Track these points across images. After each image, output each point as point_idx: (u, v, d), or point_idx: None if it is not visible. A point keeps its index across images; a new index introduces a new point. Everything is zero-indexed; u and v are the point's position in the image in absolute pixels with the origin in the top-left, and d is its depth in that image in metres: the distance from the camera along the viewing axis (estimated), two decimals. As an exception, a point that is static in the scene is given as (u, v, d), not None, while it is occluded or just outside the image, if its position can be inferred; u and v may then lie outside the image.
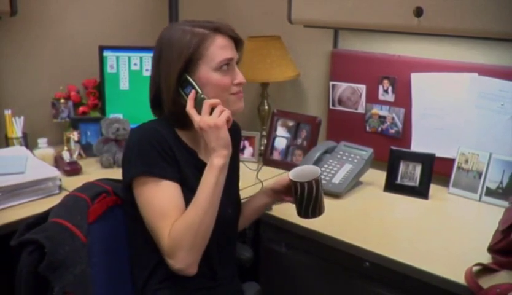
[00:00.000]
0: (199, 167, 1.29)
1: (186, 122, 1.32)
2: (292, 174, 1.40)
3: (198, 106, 1.27)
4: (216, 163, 1.24)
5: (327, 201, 1.43)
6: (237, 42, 1.37)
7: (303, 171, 1.40)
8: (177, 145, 1.32)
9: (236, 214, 1.47)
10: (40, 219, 1.29)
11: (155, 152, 1.26)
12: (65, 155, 1.99)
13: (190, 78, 1.29)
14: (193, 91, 1.28)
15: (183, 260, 1.21)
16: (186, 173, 1.30)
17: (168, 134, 1.31)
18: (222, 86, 1.31)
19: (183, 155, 1.32)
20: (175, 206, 1.24)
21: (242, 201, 1.54)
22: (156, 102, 1.36)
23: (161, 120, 1.35)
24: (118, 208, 1.41)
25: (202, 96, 1.27)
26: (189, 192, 1.27)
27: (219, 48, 1.30)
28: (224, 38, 1.32)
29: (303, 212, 1.40)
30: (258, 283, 1.60)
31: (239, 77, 1.34)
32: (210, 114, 1.25)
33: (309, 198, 1.37)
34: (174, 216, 1.23)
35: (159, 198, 1.24)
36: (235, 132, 1.49)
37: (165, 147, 1.27)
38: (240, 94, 1.35)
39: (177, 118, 1.33)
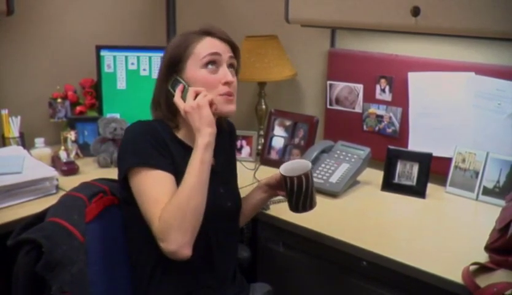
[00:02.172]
0: None
1: (180, 120, 1.37)
2: (283, 169, 1.39)
3: (185, 98, 1.31)
4: (201, 141, 1.26)
5: (324, 201, 1.44)
6: (233, 48, 1.40)
7: (294, 165, 1.40)
8: (172, 140, 1.35)
9: (235, 207, 1.47)
10: (37, 219, 1.29)
11: (149, 145, 1.28)
12: (63, 155, 1.99)
13: (178, 77, 1.34)
14: (181, 85, 1.33)
15: (175, 241, 1.18)
16: (180, 165, 1.30)
17: (163, 130, 1.35)
18: (208, 84, 1.34)
19: (177, 149, 1.33)
20: (168, 193, 1.24)
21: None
22: (154, 105, 1.42)
23: (158, 120, 1.39)
24: (115, 208, 1.42)
25: (189, 87, 1.32)
26: None
27: (206, 46, 1.35)
28: (214, 39, 1.37)
29: (294, 207, 1.40)
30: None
31: (228, 77, 1.35)
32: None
33: (298, 193, 1.37)
34: (167, 202, 1.23)
35: (153, 186, 1.25)
36: (230, 131, 1.53)
37: (159, 140, 1.30)
38: (230, 97, 1.36)
39: (172, 118, 1.37)
